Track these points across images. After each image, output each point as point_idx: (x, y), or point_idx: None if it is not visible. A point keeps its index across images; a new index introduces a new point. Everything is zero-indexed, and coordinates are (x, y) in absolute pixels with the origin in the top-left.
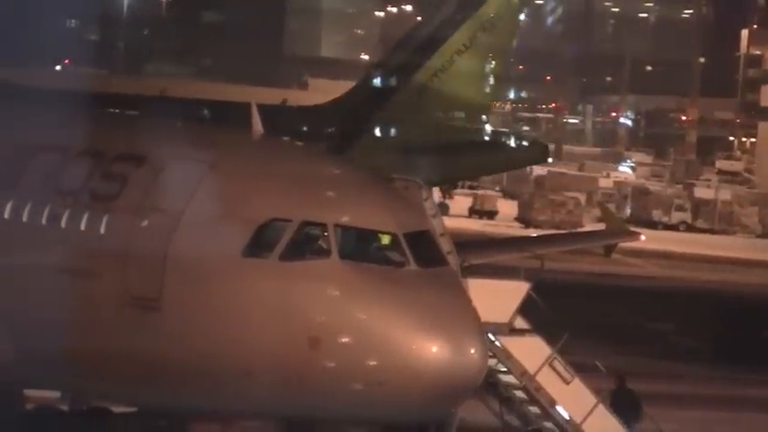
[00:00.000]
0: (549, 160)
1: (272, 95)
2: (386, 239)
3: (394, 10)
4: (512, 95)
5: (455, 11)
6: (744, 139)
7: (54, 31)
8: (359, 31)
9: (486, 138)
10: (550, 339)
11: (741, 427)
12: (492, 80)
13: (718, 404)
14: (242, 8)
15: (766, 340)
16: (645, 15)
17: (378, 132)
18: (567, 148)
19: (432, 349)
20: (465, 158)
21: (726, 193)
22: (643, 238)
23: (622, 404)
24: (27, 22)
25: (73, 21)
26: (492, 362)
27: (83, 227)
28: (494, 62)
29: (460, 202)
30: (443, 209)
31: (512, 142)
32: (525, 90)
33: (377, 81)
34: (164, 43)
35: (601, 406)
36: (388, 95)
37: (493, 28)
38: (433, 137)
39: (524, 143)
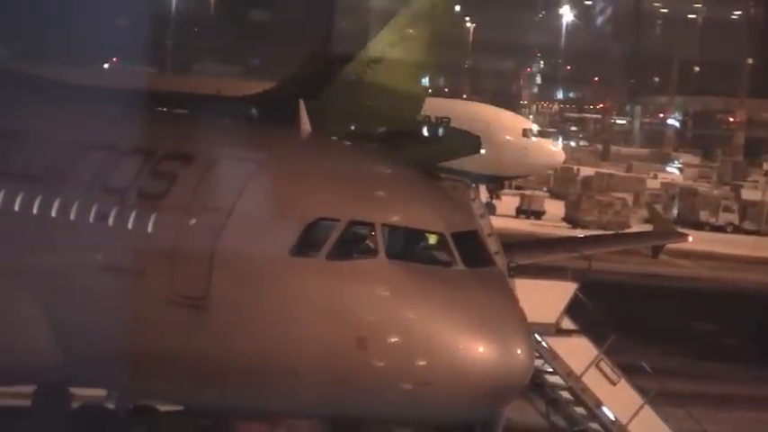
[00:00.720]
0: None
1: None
2: (433, 239)
3: None
4: (559, 96)
5: (388, 3)
6: None
7: (103, 28)
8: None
9: (420, 129)
10: (597, 340)
11: None
12: (425, 72)
13: (763, 405)
14: (290, 7)
15: None
16: (693, 16)
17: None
18: (614, 148)
19: (479, 349)
20: (397, 149)
21: None
22: (690, 239)
23: None
24: (76, 19)
25: (122, 19)
26: (538, 362)
27: (130, 225)
28: (427, 54)
29: (507, 202)
30: (490, 209)
31: (444, 134)
32: (573, 91)
33: (311, 71)
34: (212, 42)
35: (647, 407)
36: (321, 86)
37: (425, 20)
38: (366, 128)
39: (457, 135)
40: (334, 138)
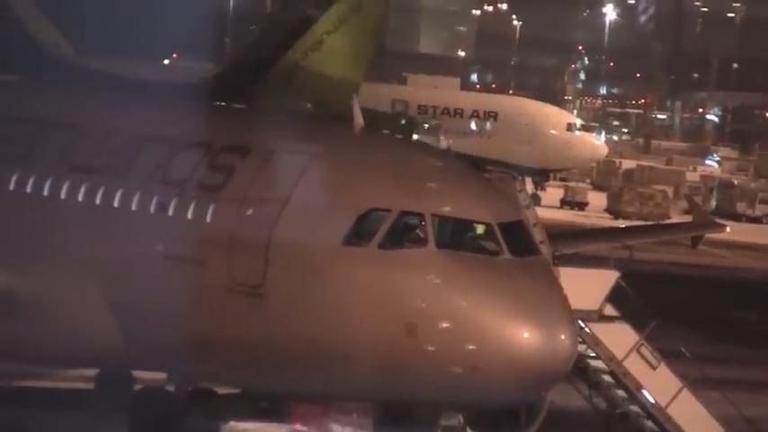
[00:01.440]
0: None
1: (373, 90)
2: (481, 229)
3: (490, 9)
4: (602, 91)
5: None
6: None
7: (162, 24)
8: (457, 29)
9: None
10: (638, 326)
11: None
12: (362, 59)
13: None
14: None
15: None
16: (732, 15)
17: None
18: (655, 142)
19: (525, 335)
20: None
21: None
22: (728, 229)
23: None
24: (137, 17)
25: (181, 16)
26: (581, 347)
27: (190, 216)
28: (363, 42)
29: (552, 193)
30: (536, 200)
31: (381, 118)
32: (615, 86)
33: (252, 58)
34: (268, 36)
35: (686, 390)
36: (261, 73)
37: (362, 8)
38: (305, 113)
39: (396, 119)
40: (385, 132)
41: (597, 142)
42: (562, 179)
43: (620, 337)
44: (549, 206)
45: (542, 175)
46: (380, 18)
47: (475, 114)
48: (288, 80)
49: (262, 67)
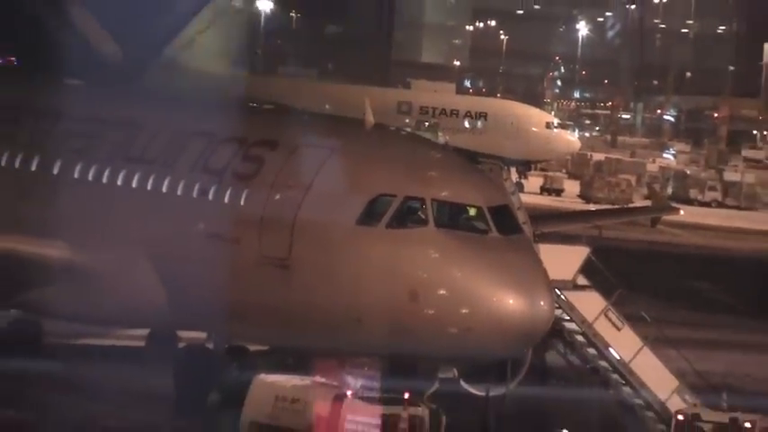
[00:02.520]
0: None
1: (382, 94)
2: (473, 211)
3: (481, 25)
4: (576, 95)
5: None
6: (765, 133)
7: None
8: (453, 42)
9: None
10: (606, 294)
11: (762, 368)
12: (228, 56)
13: (745, 348)
14: (358, 22)
15: None
16: (686, 30)
17: None
18: (620, 138)
19: (510, 301)
20: None
21: (750, 177)
22: (682, 212)
23: None
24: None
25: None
26: (558, 312)
27: (227, 200)
28: (229, 41)
29: (533, 181)
30: (519, 187)
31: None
32: (587, 91)
33: (136, 54)
34: (294, 50)
35: (646, 348)
36: (143, 67)
37: (228, 13)
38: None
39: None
40: (392, 128)
41: (572, 138)
42: (542, 169)
43: (590, 304)
44: (531, 192)
45: (525, 166)
46: (245, 22)
47: (468, 114)
48: (166, 74)
49: (141, 62)
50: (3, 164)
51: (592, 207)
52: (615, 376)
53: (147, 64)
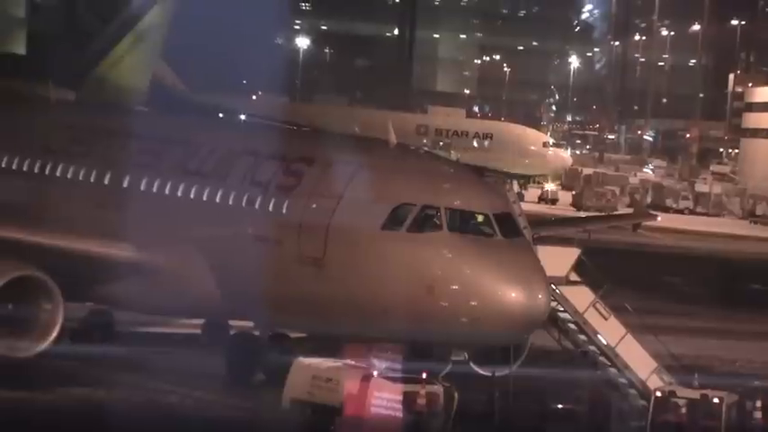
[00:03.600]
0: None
1: (403, 118)
2: (480, 218)
3: (487, 59)
4: (569, 118)
5: (123, 24)
6: (730, 150)
7: (251, 70)
8: (463, 73)
9: None
10: (594, 288)
11: (729, 351)
12: (145, 74)
13: (713, 334)
14: (382, 57)
15: (748, 290)
16: (662, 63)
17: None
18: (607, 155)
19: (512, 295)
20: None
21: (717, 188)
22: (659, 218)
23: None
24: (232, 63)
25: (265, 62)
26: (553, 304)
27: (271, 208)
28: (146, 63)
29: (532, 192)
30: (520, 197)
31: None
32: (578, 115)
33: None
34: (328, 79)
35: (629, 335)
36: (79, 81)
37: (145, 38)
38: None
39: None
40: (412, 147)
41: (565, 155)
42: (539, 182)
43: (581, 297)
44: (530, 201)
45: (525, 179)
46: (157, 48)
47: (476, 135)
48: (96, 89)
49: (78, 76)
50: (80, 177)
51: (582, 214)
52: (602, 359)
53: (82, 80)
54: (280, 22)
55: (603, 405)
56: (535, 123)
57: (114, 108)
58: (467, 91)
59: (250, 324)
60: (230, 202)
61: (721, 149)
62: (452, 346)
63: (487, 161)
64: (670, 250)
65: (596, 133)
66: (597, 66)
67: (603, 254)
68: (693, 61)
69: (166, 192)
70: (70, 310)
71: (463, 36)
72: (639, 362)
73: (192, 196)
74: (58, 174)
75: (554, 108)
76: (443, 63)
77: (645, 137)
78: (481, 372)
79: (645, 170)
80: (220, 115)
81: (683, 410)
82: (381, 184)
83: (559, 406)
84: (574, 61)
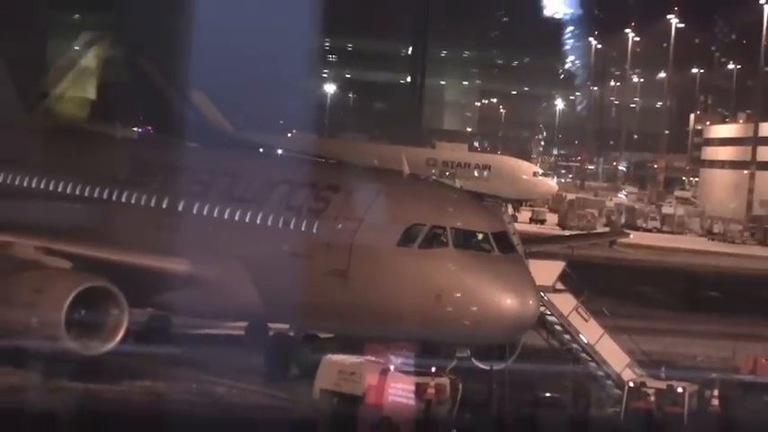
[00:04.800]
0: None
1: (414, 152)
2: (480, 236)
3: (486, 102)
4: (555, 152)
5: (70, 62)
6: (691, 179)
7: (287, 112)
8: (465, 114)
9: None
10: (576, 295)
11: (693, 348)
12: (86, 104)
13: (677, 334)
14: (397, 99)
15: (707, 297)
16: (633, 105)
17: None
18: (587, 183)
19: (507, 301)
20: None
21: (680, 210)
22: (632, 236)
23: None
24: (270, 106)
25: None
26: (542, 308)
27: (303, 228)
28: (85, 94)
29: (524, 214)
30: (514, 218)
31: None
32: (563, 149)
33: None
34: (351, 119)
35: (606, 335)
36: (34, 106)
37: (84, 74)
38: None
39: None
40: (423, 176)
41: (551, 183)
42: (530, 205)
43: (565, 302)
44: (522, 222)
45: (518, 203)
46: (93, 83)
47: (477, 166)
48: (47, 113)
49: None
50: (142, 203)
51: (566, 232)
52: (584, 355)
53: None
54: (311, 71)
55: (585, 394)
56: (526, 156)
57: (170, 144)
58: (468, 129)
59: (286, 326)
60: (269, 224)
61: (684, 178)
62: (457, 344)
63: (486, 188)
64: (641, 263)
65: (578, 164)
66: (579, 107)
67: (584, 266)
68: (660, 103)
69: (215, 215)
70: (133, 315)
71: (465, 83)
72: (615, 357)
73: (236, 219)
74: (123, 200)
75: (542, 143)
76: (449, 105)
77: (619, 167)
78: (481, 366)
79: (619, 195)
80: (260, 150)
81: (652, 398)
82: (396, 208)
83: (547, 395)
84: (559, 104)
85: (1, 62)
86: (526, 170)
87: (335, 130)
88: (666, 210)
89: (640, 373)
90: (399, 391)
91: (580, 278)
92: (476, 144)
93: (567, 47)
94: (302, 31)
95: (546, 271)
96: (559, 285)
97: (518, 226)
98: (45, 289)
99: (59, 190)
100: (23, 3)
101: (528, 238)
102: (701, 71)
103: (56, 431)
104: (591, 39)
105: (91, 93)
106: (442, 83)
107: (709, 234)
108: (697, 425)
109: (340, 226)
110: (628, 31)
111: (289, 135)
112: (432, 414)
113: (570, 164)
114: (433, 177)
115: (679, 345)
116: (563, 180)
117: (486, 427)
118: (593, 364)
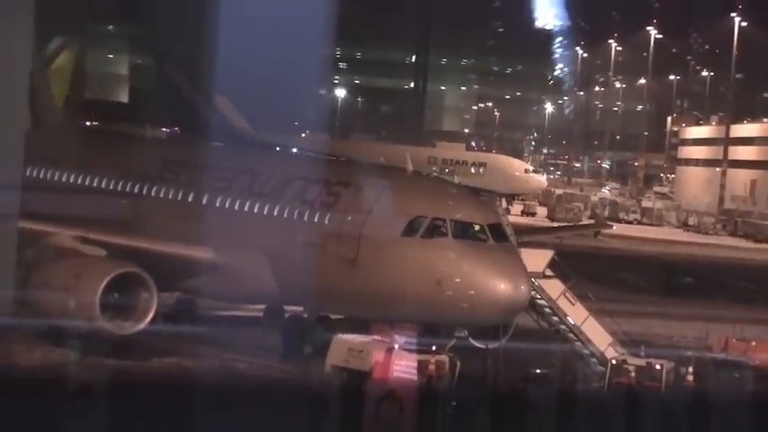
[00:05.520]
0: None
1: (417, 151)
2: (477, 227)
3: (482, 105)
4: (544, 151)
5: (41, 63)
6: (668, 175)
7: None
8: (464, 117)
9: None
10: (564, 281)
11: (667, 329)
12: (62, 97)
13: (655, 316)
14: (402, 104)
15: (682, 283)
16: (616, 109)
17: None
18: (573, 179)
19: (501, 286)
20: None
21: (659, 204)
22: (615, 227)
23: None
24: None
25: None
26: (533, 293)
27: (316, 220)
28: (62, 90)
29: (516, 207)
30: (507, 211)
31: None
32: (552, 148)
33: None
34: (359, 121)
35: (591, 317)
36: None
37: (61, 72)
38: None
39: None
40: (424, 173)
41: (541, 179)
42: (522, 200)
43: (554, 287)
44: (514, 215)
45: (511, 197)
46: (65, 86)
47: (473, 164)
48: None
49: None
50: (170, 197)
51: (554, 224)
52: (571, 335)
53: None
54: (323, 78)
55: (571, 370)
56: (518, 155)
57: (195, 143)
58: (466, 130)
59: (300, 309)
60: (285, 216)
61: (661, 175)
62: (455, 325)
63: (482, 184)
64: (622, 252)
65: (565, 162)
66: (566, 111)
67: (571, 255)
68: (640, 107)
69: (236, 208)
70: (162, 298)
71: (463, 88)
72: (599, 337)
73: (255, 211)
74: (153, 194)
75: (533, 143)
76: (448, 109)
77: (603, 165)
78: (477, 345)
79: (603, 190)
80: (277, 149)
81: (633, 374)
82: (401, 202)
83: (537, 371)
84: (548, 107)
85: (44, 71)
86: (518, 167)
87: (345, 131)
88: (646, 204)
89: (622, 352)
90: (403, 367)
91: (567, 265)
92: (473, 144)
93: (556, 55)
94: (315, 41)
95: (536, 259)
96: (548, 272)
97: (511, 218)
98: (82, 275)
99: (95, 185)
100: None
101: (520, 229)
102: (678, 78)
103: (92, 403)
104: (577, 48)
105: (65, 89)
106: (442, 88)
107: (685, 226)
108: (673, 399)
109: (349, 218)
110: (611, 41)
111: (303, 136)
112: (432, 388)
113: (558, 162)
114: (434, 174)
115: (657, 326)
116: (552, 176)
117: (482, 400)
118: (578, 344)
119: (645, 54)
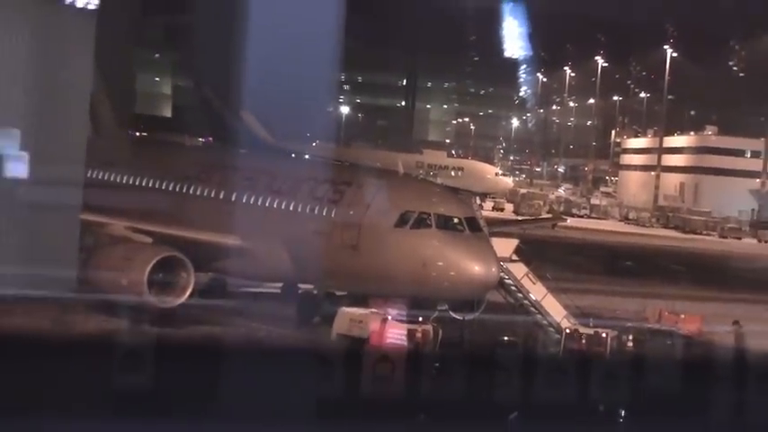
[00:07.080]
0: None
1: (407, 157)
2: (456, 220)
3: (460, 120)
4: (511, 158)
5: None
6: (612, 178)
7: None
8: (445, 129)
9: None
10: (527, 264)
11: (611, 304)
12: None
13: (602, 293)
14: (395, 118)
15: (624, 266)
16: (570, 123)
17: None
18: (535, 181)
19: (476, 268)
20: None
21: (604, 201)
22: (568, 221)
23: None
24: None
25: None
26: (501, 274)
27: (324, 213)
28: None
29: (488, 204)
30: (480, 207)
31: None
32: (517, 155)
33: None
34: (360, 131)
35: (549, 294)
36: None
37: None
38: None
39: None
40: (413, 175)
41: (508, 180)
42: (492, 198)
43: (518, 270)
44: (486, 210)
45: (483, 196)
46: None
47: (453, 168)
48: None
49: None
50: (205, 194)
51: (519, 218)
52: (533, 309)
53: None
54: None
55: (533, 338)
56: (490, 161)
57: (225, 150)
58: (447, 140)
59: (311, 286)
60: (299, 210)
61: (607, 177)
62: (438, 300)
63: (460, 184)
64: (575, 240)
65: (528, 167)
66: (529, 125)
67: (533, 243)
68: (590, 122)
69: (258, 203)
70: (198, 277)
71: (445, 106)
72: (555, 311)
73: (275, 206)
74: (191, 192)
75: (502, 151)
76: (433, 122)
77: (559, 169)
78: (456, 317)
79: (559, 190)
80: (293, 155)
81: (583, 341)
82: (394, 199)
83: (506, 338)
84: (515, 122)
85: (104, 90)
86: (490, 171)
87: (349, 140)
88: (594, 201)
89: (574, 323)
90: (395, 335)
91: (530, 251)
92: (453, 151)
93: (521, 80)
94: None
95: (504, 246)
96: (514, 257)
97: (483, 213)
98: (132, 258)
99: (143, 184)
100: (114, 46)
101: (491, 222)
102: (620, 98)
103: (139, 364)
104: (538, 74)
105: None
106: (428, 106)
107: (626, 219)
108: (616, 362)
109: (352, 212)
110: (566, 68)
111: (314, 144)
112: (419, 352)
113: (522, 167)
114: (421, 176)
115: (603, 302)
116: (517, 178)
117: (460, 362)
118: (539, 316)
119: (593, 79)
